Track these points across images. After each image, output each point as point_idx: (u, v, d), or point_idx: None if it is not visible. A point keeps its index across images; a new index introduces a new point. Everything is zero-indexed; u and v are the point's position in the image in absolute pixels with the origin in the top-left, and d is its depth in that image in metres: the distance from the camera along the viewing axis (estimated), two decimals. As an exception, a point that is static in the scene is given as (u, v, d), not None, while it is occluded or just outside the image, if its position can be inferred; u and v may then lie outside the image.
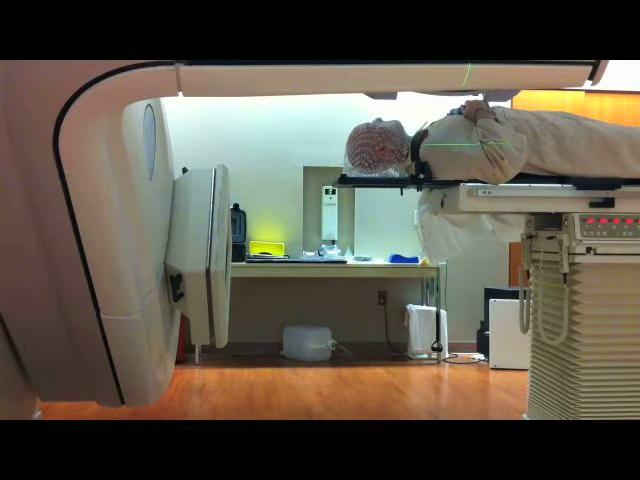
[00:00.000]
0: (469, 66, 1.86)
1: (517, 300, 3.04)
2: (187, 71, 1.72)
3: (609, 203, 2.69)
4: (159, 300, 2.49)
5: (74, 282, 2.09)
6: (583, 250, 2.66)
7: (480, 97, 2.85)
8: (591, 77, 1.97)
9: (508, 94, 3.16)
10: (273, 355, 5.07)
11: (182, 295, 2.63)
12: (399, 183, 2.93)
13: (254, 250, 5.06)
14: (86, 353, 2.32)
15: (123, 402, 2.52)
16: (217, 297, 2.63)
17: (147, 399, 2.61)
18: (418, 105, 4.30)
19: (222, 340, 2.77)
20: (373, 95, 2.87)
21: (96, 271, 2.06)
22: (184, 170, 3.07)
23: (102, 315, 2.16)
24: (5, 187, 1.89)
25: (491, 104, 2.81)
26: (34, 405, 2.73)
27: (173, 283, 2.61)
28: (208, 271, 2.59)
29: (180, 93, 1.79)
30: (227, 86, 1.85)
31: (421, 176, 2.72)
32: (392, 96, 2.85)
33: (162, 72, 1.72)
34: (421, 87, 2.27)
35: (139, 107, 2.29)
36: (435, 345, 4.93)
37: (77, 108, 1.73)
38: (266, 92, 2.08)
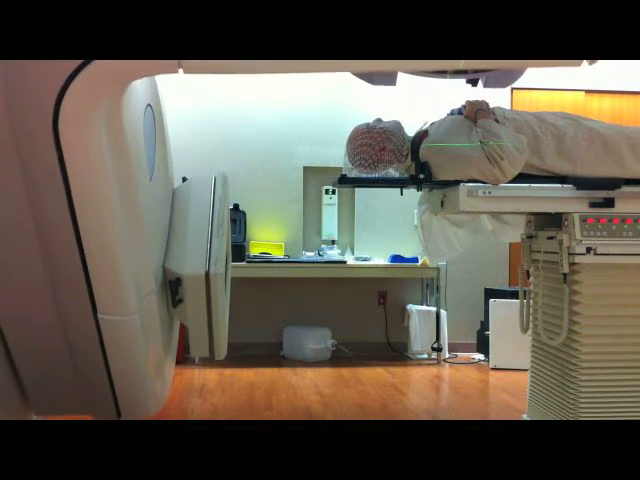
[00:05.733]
0: (462, 62, 1.88)
1: (517, 300, 3.05)
2: None
3: (609, 203, 2.69)
4: (158, 304, 2.45)
5: (71, 276, 2.05)
6: (583, 250, 2.66)
7: (480, 86, 2.82)
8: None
9: (508, 79, 3.01)
10: (273, 355, 5.07)
11: (181, 301, 2.59)
12: (399, 183, 2.93)
13: (254, 250, 5.06)
14: (82, 357, 2.26)
15: (119, 414, 2.43)
16: (216, 303, 2.56)
17: (144, 409, 2.51)
18: (418, 105, 4.30)
19: (221, 351, 2.69)
20: (372, 80, 2.82)
21: (94, 266, 2.02)
22: (184, 179, 3.06)
23: (99, 315, 2.12)
24: (5, 176, 1.87)
25: (491, 105, 2.81)
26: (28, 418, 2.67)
27: (172, 288, 2.58)
28: (207, 274, 2.55)
29: (180, 70, 1.78)
30: (227, 64, 1.83)
31: (421, 176, 2.73)
32: (391, 82, 2.79)
33: None
34: (416, 67, 2.25)
35: (139, 107, 2.28)
36: (435, 345, 4.93)
37: (77, 87, 1.69)
38: (269, 69, 2.07)
